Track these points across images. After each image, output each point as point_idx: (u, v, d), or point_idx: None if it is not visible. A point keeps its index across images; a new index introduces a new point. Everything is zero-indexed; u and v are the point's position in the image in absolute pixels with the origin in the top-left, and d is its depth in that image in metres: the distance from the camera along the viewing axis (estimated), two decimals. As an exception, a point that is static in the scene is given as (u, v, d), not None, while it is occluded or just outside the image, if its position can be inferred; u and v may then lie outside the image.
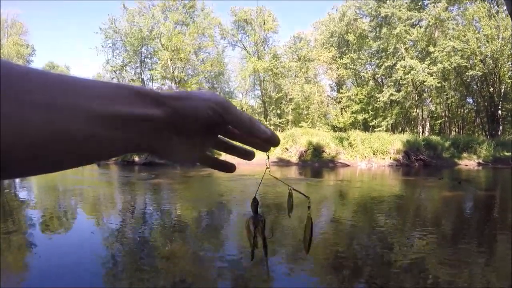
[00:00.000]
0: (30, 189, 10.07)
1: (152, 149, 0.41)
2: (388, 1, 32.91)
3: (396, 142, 23.40)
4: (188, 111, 0.41)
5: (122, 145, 0.38)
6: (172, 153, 0.44)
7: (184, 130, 0.42)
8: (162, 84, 42.85)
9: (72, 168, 0.37)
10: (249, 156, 0.56)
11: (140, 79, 41.57)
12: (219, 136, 0.50)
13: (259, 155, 0.54)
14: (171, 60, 36.94)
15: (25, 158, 0.31)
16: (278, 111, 41.14)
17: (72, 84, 0.34)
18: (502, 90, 32.36)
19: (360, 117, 36.34)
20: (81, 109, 0.33)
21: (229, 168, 0.55)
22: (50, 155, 0.32)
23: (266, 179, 0.67)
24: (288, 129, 30.86)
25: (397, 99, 33.20)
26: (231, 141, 0.53)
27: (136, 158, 20.39)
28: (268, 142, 0.48)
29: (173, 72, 38.26)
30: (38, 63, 53.89)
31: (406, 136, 25.24)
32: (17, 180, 11.17)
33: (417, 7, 33.20)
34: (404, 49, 33.08)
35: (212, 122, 0.43)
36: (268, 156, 0.54)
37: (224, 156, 0.55)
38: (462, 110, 39.13)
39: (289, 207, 0.65)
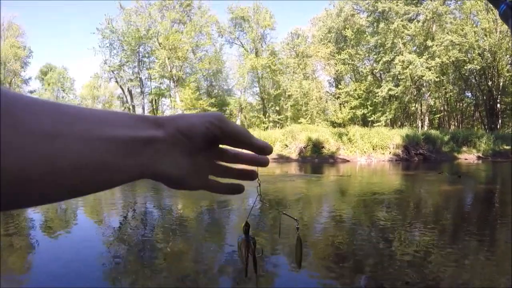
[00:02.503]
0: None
1: (164, 174, 0.42)
2: (385, -4, 32.89)
3: (395, 137, 23.42)
4: (186, 128, 0.42)
5: (135, 172, 0.38)
6: (182, 175, 0.44)
7: (187, 148, 0.43)
8: (161, 83, 42.86)
9: (82, 196, 0.37)
10: (251, 174, 0.56)
11: (138, 79, 41.57)
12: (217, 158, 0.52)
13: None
14: (168, 58, 36.93)
15: (33, 188, 0.30)
16: (277, 108, 41.17)
17: (72, 112, 0.34)
18: (501, 84, 32.42)
19: (359, 112, 36.34)
20: (87, 137, 0.34)
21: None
22: (59, 185, 0.32)
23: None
24: (287, 125, 30.87)
25: (396, 94, 33.19)
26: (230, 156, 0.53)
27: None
28: (264, 149, 0.50)
29: (171, 71, 38.24)
30: (35, 65, 53.89)
31: (405, 130, 25.25)
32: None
33: (414, 2, 33.16)
34: (402, 43, 33.07)
35: (211, 135, 0.44)
36: (259, 184, 0.57)
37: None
38: (461, 104, 39.18)
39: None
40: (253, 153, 0.52)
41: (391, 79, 33.75)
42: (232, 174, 0.54)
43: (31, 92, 52.10)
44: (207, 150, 0.47)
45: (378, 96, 34.18)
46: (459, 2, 32.29)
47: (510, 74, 30.95)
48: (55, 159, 0.31)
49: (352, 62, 38.25)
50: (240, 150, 0.52)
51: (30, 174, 0.29)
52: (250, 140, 0.47)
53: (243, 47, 42.69)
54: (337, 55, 38.40)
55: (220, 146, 0.50)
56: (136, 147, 0.38)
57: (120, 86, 43.73)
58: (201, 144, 0.44)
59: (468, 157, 23.46)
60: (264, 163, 0.53)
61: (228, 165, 0.54)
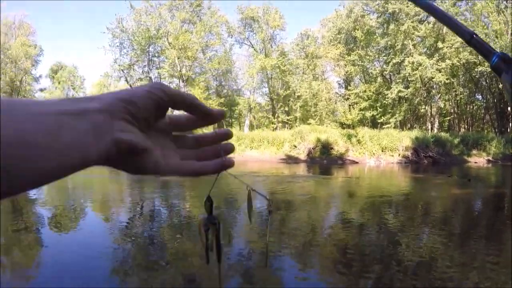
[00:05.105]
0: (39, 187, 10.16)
1: (125, 143, 0.37)
2: (395, -3, 32.72)
3: (404, 139, 23.31)
4: (126, 94, 0.38)
5: (82, 153, 0.33)
6: (145, 145, 0.39)
7: (133, 116, 0.38)
8: (170, 83, 43.07)
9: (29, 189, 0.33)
10: (225, 132, 0.48)
11: (148, 78, 41.78)
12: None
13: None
14: (178, 58, 37.07)
15: None
16: (286, 109, 41.13)
17: (11, 101, 0.30)
18: (512, 86, 32.03)
19: (368, 114, 36.15)
20: (7, 112, 0.29)
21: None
22: None
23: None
24: (296, 126, 30.86)
25: (406, 96, 32.99)
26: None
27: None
28: (213, 115, 0.45)
29: (180, 71, 38.42)
30: (46, 63, 54.34)
31: (415, 133, 25.12)
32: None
33: (425, 3, 32.91)
34: (412, 45, 32.88)
35: (154, 97, 0.39)
36: (221, 152, 0.47)
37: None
38: (471, 107, 38.82)
39: (249, 210, 0.56)
40: (213, 132, 0.48)
41: (401, 80, 33.56)
42: (207, 141, 0.48)
43: (41, 90, 52.96)
44: (159, 127, 0.43)
45: (387, 98, 33.99)
46: (470, 4, 32.05)
47: (522, 76, 30.60)
48: None
49: (362, 63, 38.08)
50: (199, 133, 0.48)
51: None
52: (198, 103, 0.44)
53: (253, 47, 42.68)
54: (346, 56, 38.26)
55: (175, 133, 0.47)
56: (67, 122, 0.32)
57: (130, 85, 43.88)
58: (146, 109, 0.39)
59: (478, 160, 23.27)
60: (228, 134, 0.48)
61: (199, 136, 0.48)
